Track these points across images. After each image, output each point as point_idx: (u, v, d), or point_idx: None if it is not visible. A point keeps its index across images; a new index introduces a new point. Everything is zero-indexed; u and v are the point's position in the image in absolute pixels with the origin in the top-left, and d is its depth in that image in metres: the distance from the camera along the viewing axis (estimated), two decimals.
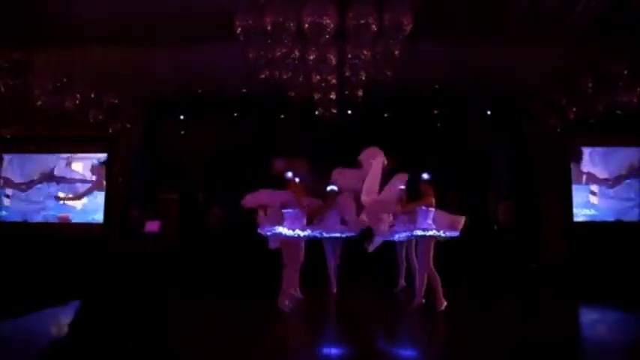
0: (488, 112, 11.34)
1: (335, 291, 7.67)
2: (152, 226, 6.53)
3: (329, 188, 7.68)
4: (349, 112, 10.42)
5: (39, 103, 8.26)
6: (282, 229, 6.19)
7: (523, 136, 11.22)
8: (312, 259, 8.32)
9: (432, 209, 6.21)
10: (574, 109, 9.26)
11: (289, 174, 6.65)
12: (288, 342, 5.32)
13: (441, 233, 6.12)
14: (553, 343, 4.97)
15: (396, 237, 6.70)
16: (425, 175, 6.46)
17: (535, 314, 6.09)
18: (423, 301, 6.17)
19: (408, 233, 6.36)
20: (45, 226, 11.86)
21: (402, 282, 7.52)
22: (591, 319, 6.06)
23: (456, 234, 6.20)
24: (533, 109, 10.28)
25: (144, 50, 8.26)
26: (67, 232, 11.68)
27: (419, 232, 6.14)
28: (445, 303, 6.06)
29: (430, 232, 6.07)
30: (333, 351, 4.97)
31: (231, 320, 5.95)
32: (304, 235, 6.35)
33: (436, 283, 6.08)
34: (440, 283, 6.08)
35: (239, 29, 5.99)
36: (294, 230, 6.18)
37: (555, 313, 6.49)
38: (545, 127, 10.43)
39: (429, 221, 6.19)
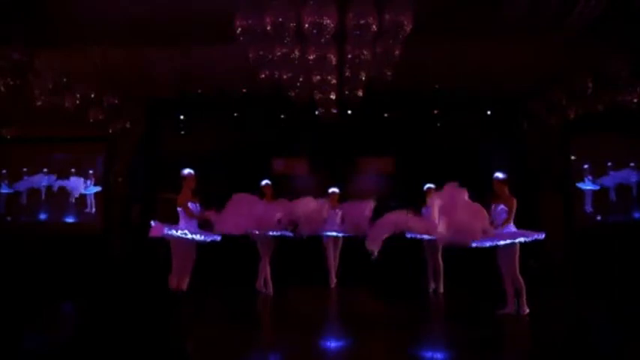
0: (488, 112, 11.34)
1: (333, 286, 7.75)
2: (157, 230, 6.48)
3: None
4: (349, 112, 10.42)
5: (39, 103, 8.26)
6: (180, 232, 5.90)
7: (523, 136, 11.21)
8: (311, 258, 8.37)
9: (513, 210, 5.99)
10: (574, 109, 9.27)
11: (185, 171, 6.42)
12: (288, 340, 5.33)
13: (535, 237, 5.86)
14: (553, 343, 4.98)
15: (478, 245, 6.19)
16: (500, 175, 6.15)
17: (535, 314, 6.09)
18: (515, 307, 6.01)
19: (492, 242, 5.93)
20: (44, 226, 11.86)
21: (433, 284, 7.53)
22: (591, 319, 6.06)
23: (542, 236, 5.93)
24: (533, 109, 10.28)
25: (144, 50, 8.26)
26: (66, 231, 11.68)
27: (511, 240, 5.83)
28: (528, 310, 5.93)
29: (522, 239, 5.84)
30: (334, 348, 4.98)
31: (232, 319, 5.94)
32: (198, 239, 6.00)
33: (521, 288, 5.92)
34: (524, 288, 5.91)
35: (239, 29, 5.99)
36: (189, 232, 5.91)
37: (555, 313, 6.49)
38: (545, 127, 10.43)
39: (512, 224, 5.96)
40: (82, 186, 11.98)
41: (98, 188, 11.90)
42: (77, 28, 7.03)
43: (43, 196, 12.07)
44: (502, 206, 6.05)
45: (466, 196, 5.94)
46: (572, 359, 4.64)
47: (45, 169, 12.12)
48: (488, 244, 5.98)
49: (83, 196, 11.99)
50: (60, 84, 8.11)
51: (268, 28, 5.83)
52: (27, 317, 6.21)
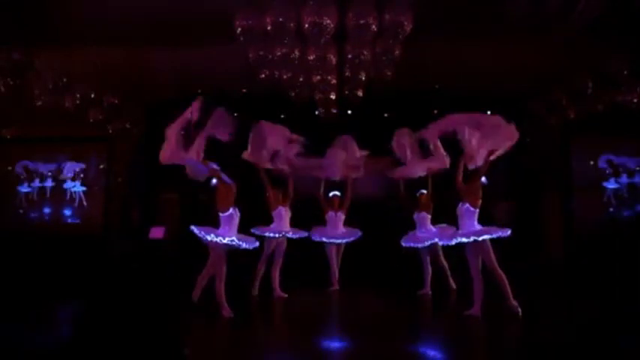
0: (488, 113, 11.32)
1: (336, 288, 7.73)
2: (156, 232, 6.44)
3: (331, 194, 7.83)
4: (349, 112, 10.42)
5: (39, 103, 8.26)
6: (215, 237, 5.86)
7: (523, 136, 11.19)
8: (313, 260, 8.37)
9: (477, 210, 6.03)
10: (574, 109, 9.28)
11: (215, 180, 6.36)
12: (289, 341, 5.33)
13: (499, 233, 5.83)
14: (553, 343, 4.98)
15: (441, 243, 6.57)
16: (483, 180, 6.21)
17: (534, 314, 6.10)
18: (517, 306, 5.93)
19: (458, 239, 5.98)
20: (44, 226, 11.88)
21: (428, 288, 7.51)
22: (591, 319, 6.06)
23: (506, 233, 5.89)
24: (533, 109, 10.28)
25: (144, 50, 8.26)
26: (66, 231, 11.69)
27: (474, 238, 5.82)
28: (516, 303, 5.91)
29: (486, 236, 5.81)
30: (336, 349, 4.98)
31: (233, 321, 5.94)
32: (228, 243, 5.93)
33: (504, 282, 5.87)
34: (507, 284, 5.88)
35: (239, 29, 5.99)
36: (224, 237, 5.85)
37: (555, 313, 6.50)
38: (545, 127, 10.43)
39: (475, 222, 5.99)
40: (75, 185, 12.05)
41: (84, 187, 12.00)
42: (77, 28, 7.04)
43: (37, 197, 12.11)
44: (467, 205, 6.05)
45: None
46: (571, 359, 4.64)
47: (45, 169, 12.15)
48: (454, 242, 6.03)
49: (77, 195, 12.05)
50: (60, 84, 8.11)
51: (268, 28, 5.83)
52: (27, 317, 6.20)
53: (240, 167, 7.51)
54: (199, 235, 5.91)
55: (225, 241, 5.87)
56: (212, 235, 5.85)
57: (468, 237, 5.89)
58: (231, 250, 6.09)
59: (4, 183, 12.18)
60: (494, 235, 5.87)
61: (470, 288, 6.09)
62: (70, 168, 12.11)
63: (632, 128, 10.26)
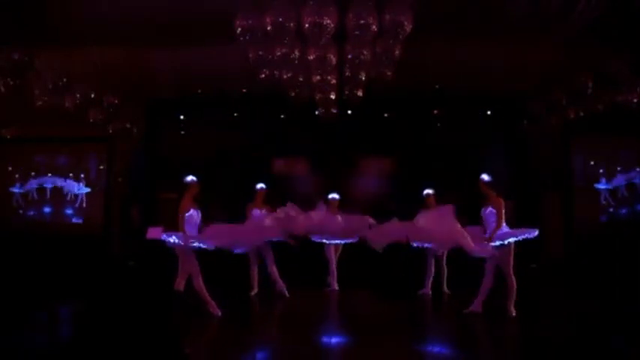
0: (488, 112, 11.34)
1: (336, 288, 7.74)
2: (154, 232, 6.37)
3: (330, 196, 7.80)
4: (349, 112, 10.42)
5: (39, 103, 8.26)
6: (174, 239, 5.91)
7: (523, 136, 11.21)
8: (313, 260, 8.37)
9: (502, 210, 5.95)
10: (574, 109, 9.27)
11: (189, 178, 6.40)
12: (290, 341, 5.33)
13: (525, 235, 5.82)
14: (552, 343, 4.98)
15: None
16: (485, 177, 6.14)
17: (535, 314, 6.10)
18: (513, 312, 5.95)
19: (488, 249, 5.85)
20: (44, 226, 11.87)
21: (428, 288, 7.51)
22: (591, 319, 6.06)
23: (534, 234, 5.86)
24: (533, 109, 10.28)
25: (144, 50, 8.26)
26: (66, 231, 11.69)
27: (500, 242, 5.79)
28: (514, 313, 5.90)
29: (511, 239, 5.79)
30: (336, 349, 4.98)
31: (233, 321, 5.95)
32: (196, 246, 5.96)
33: (512, 288, 5.89)
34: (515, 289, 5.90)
35: (239, 29, 5.99)
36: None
37: (555, 313, 6.50)
38: (545, 127, 10.42)
39: (504, 224, 5.95)
40: (76, 186, 12.02)
41: (88, 189, 11.96)
42: (77, 28, 7.04)
43: (37, 197, 12.10)
44: (490, 208, 6.03)
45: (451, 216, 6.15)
46: (571, 359, 4.64)
47: (44, 169, 12.14)
48: (484, 254, 5.94)
49: (77, 196, 12.03)
50: (60, 84, 8.10)
51: (268, 28, 5.83)
52: (27, 317, 6.21)
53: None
54: (165, 239, 5.94)
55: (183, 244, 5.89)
56: (174, 238, 5.87)
57: (494, 241, 5.85)
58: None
59: (4, 183, 12.16)
60: (520, 237, 5.83)
61: (469, 290, 6.10)
62: (72, 184, 12.09)
63: (632, 128, 10.25)
